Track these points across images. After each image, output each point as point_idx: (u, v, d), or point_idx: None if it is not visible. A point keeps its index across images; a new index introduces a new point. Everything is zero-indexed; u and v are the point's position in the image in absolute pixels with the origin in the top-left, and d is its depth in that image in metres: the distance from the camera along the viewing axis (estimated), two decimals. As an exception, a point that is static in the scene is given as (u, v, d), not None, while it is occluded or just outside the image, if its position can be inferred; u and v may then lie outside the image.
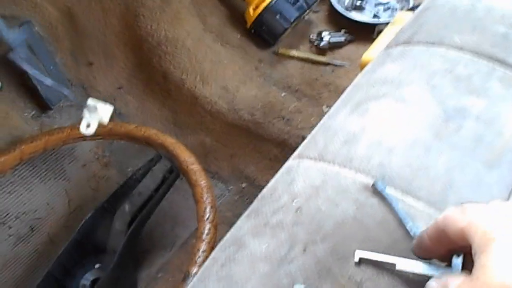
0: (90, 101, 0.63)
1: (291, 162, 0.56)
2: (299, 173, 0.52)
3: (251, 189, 1.21)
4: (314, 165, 0.52)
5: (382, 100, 0.56)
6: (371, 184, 0.48)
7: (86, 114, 0.60)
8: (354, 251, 0.44)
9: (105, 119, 0.62)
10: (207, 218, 0.80)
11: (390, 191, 0.47)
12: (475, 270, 0.31)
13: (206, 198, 0.83)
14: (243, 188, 1.22)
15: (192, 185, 0.86)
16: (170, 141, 0.90)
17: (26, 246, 1.05)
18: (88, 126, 0.61)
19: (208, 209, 0.81)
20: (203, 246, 0.77)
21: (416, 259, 0.40)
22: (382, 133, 0.52)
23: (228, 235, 0.51)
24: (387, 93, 0.57)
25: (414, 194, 0.47)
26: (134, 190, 0.97)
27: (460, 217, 0.34)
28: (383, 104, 0.56)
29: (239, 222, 0.52)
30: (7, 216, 1.07)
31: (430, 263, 0.39)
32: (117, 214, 0.97)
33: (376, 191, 0.48)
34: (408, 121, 0.53)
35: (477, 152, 0.51)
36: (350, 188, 0.49)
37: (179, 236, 1.09)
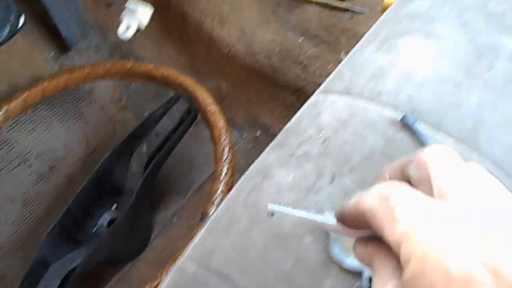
0: (130, 3, 0.60)
1: (315, 97, 0.56)
2: (325, 107, 0.52)
3: (265, 137, 1.20)
4: (340, 99, 0.52)
5: (411, 35, 0.55)
6: (399, 118, 0.48)
7: (125, 16, 0.58)
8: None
9: (145, 22, 0.60)
10: (225, 159, 0.81)
11: (420, 126, 0.47)
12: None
13: (224, 140, 0.83)
14: (257, 136, 1.22)
15: (210, 126, 0.86)
16: (189, 82, 0.89)
17: (46, 185, 1.07)
18: (127, 28, 0.58)
19: (226, 150, 0.82)
20: (221, 187, 0.77)
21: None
22: (411, 68, 0.51)
23: (252, 167, 0.52)
24: (416, 28, 0.55)
25: (444, 130, 0.47)
26: (152, 131, 0.97)
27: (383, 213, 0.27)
28: (412, 39, 0.54)
29: (263, 155, 0.52)
30: (28, 154, 1.08)
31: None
32: (135, 155, 0.98)
33: (405, 126, 0.48)
34: (439, 56, 0.52)
35: (508, 92, 0.50)
36: (377, 122, 0.48)
37: (194, 180, 1.10)
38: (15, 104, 0.96)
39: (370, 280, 0.41)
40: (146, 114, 1.20)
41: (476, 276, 0.23)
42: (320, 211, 0.37)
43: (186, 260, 0.44)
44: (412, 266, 0.24)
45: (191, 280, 0.42)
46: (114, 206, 1.00)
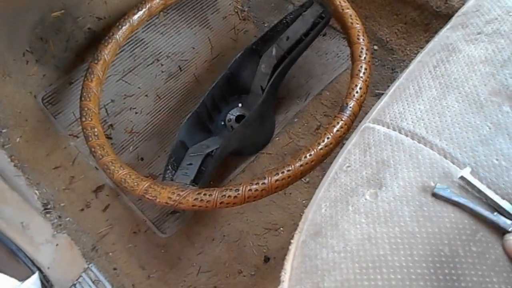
0: None
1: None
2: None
3: (383, 52, 1.21)
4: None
5: None
6: None
7: None
8: None
9: None
10: (364, 58, 0.83)
11: None
12: None
13: (362, 40, 0.85)
14: (375, 50, 1.22)
15: (347, 27, 0.88)
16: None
17: (176, 82, 1.15)
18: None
19: (364, 50, 0.84)
20: (360, 84, 0.80)
21: None
22: None
23: (431, 45, 0.53)
24: None
25: None
26: (283, 34, 1.00)
27: None
28: None
29: (440, 34, 0.54)
30: (160, 54, 1.17)
31: None
32: (264, 56, 1.03)
33: None
34: None
35: None
36: None
37: (312, 88, 1.14)
38: (155, 4, 1.03)
39: None
40: (266, 25, 1.24)
41: None
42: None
43: (372, 122, 0.47)
44: None
45: (383, 138, 0.44)
46: (240, 104, 1.06)
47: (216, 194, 0.74)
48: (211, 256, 0.98)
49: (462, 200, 0.37)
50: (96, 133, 0.87)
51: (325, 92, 1.13)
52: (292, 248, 0.40)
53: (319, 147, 0.77)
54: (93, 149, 0.85)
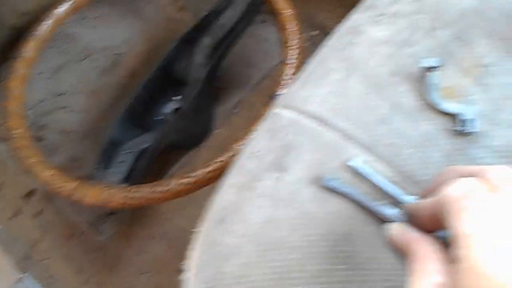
0: None
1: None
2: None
3: (323, 37, 1.20)
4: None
5: None
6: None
7: None
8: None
9: None
10: (294, 44, 0.82)
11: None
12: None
13: (292, 26, 0.84)
14: (316, 35, 1.21)
15: (276, 13, 0.86)
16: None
17: (111, 78, 1.11)
18: None
19: (294, 36, 0.83)
20: (290, 71, 0.79)
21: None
22: None
23: (340, 28, 0.53)
24: None
25: None
26: (216, 22, 0.98)
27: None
28: None
29: (352, 17, 0.53)
30: (92, 49, 1.12)
31: None
32: (198, 46, 1.00)
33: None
34: None
35: None
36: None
37: (253, 76, 1.12)
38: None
39: (467, 123, 0.43)
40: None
41: None
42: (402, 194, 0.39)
43: (281, 107, 0.47)
44: (465, 267, 0.26)
45: (289, 123, 0.44)
46: (178, 96, 1.03)
47: (146, 190, 0.72)
48: (152, 256, 0.95)
49: (349, 191, 0.38)
50: (19, 135, 0.82)
51: (265, 80, 1.12)
52: (198, 236, 0.40)
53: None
54: (17, 151, 0.81)
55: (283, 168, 0.39)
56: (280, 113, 0.44)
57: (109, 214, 0.98)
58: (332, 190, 0.38)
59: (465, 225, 0.27)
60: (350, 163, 0.39)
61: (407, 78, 0.45)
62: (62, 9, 0.96)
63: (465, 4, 0.48)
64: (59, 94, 1.07)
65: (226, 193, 0.39)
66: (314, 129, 0.42)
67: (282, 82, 0.78)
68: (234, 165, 0.42)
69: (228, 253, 0.36)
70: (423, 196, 0.33)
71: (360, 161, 0.39)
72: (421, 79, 0.45)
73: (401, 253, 0.34)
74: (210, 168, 0.73)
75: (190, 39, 1.01)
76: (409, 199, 0.37)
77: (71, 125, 1.05)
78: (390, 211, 0.37)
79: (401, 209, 0.37)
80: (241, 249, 0.36)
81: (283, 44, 0.83)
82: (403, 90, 0.45)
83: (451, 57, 0.47)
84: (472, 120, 0.44)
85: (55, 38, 1.10)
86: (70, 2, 0.98)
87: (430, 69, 0.44)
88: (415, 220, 0.34)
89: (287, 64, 0.80)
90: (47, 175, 0.76)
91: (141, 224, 0.97)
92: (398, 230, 0.35)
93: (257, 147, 0.42)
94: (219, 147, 1.04)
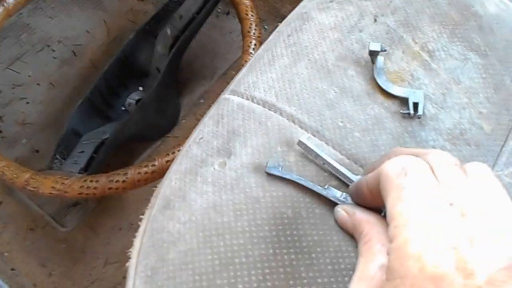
0: None
1: None
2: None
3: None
4: None
5: None
6: None
7: None
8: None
9: None
10: (253, 34, 0.81)
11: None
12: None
13: (251, 16, 0.83)
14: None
15: (236, 3, 0.86)
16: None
17: (70, 69, 1.09)
18: None
19: (253, 26, 0.82)
20: (250, 59, 0.79)
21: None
22: None
23: (291, 14, 0.53)
24: None
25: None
26: (175, 13, 0.96)
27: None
28: None
29: (301, 4, 0.53)
30: (50, 40, 1.09)
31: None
32: (159, 37, 0.99)
33: None
34: None
35: None
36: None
37: (218, 67, 1.12)
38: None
39: (415, 106, 0.44)
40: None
41: (447, 276, 0.24)
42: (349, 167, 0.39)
43: (229, 93, 0.46)
44: (394, 246, 0.26)
45: (236, 108, 0.44)
46: (141, 88, 1.02)
47: (104, 179, 0.71)
48: (119, 247, 0.94)
49: (293, 177, 0.37)
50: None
51: (230, 71, 1.11)
52: (143, 224, 0.39)
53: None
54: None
55: (229, 153, 0.39)
56: (228, 99, 0.44)
57: (72, 205, 0.96)
58: (276, 177, 0.38)
59: (397, 204, 0.27)
60: (300, 139, 0.38)
61: (355, 63, 0.46)
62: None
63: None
64: (17, 85, 1.05)
65: (171, 179, 0.39)
66: (261, 114, 0.41)
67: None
68: (180, 152, 0.42)
69: (171, 240, 0.36)
70: (367, 173, 0.33)
71: (305, 138, 0.38)
72: (369, 64, 0.46)
73: (352, 235, 0.35)
74: (168, 158, 0.72)
75: (150, 30, 0.99)
76: (356, 178, 0.37)
77: (30, 117, 1.03)
78: (337, 193, 0.37)
79: (348, 191, 0.37)
80: (184, 236, 0.35)
81: (244, 34, 0.83)
82: (351, 75, 0.45)
83: (399, 42, 0.47)
84: (419, 104, 0.44)
85: (11, 28, 1.07)
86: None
87: (377, 53, 0.44)
88: (359, 198, 0.35)
89: (248, 53, 0.79)
90: (1, 166, 0.74)
91: (107, 215, 0.96)
92: (346, 212, 0.35)
93: (203, 133, 0.42)
94: (185, 138, 1.03)
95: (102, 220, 0.96)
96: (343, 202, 0.37)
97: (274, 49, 0.48)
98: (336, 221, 0.36)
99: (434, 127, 0.45)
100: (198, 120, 1.05)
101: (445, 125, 0.45)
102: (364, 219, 0.33)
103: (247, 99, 0.43)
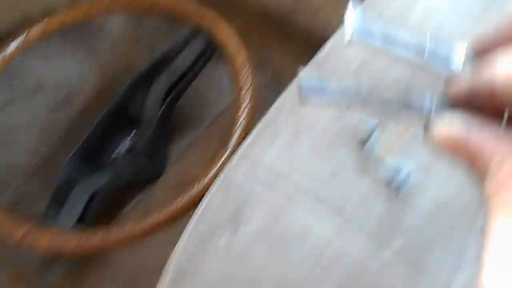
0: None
1: None
2: None
3: (276, 77, 1.24)
4: None
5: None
6: None
7: None
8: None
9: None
10: (244, 81, 0.84)
11: None
12: None
13: (244, 71, 0.87)
14: (268, 75, 1.25)
15: (230, 58, 0.89)
16: (210, 15, 0.92)
17: (62, 114, 1.10)
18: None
19: (244, 74, 0.85)
20: (242, 114, 0.82)
21: None
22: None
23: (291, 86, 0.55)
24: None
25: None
26: (172, 62, 0.99)
27: None
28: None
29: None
30: (43, 85, 1.11)
31: None
32: (153, 86, 1.01)
33: None
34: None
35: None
36: None
37: (207, 115, 1.14)
38: (32, 34, 0.98)
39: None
40: (159, 50, 1.23)
41: None
42: None
43: (237, 160, 0.48)
44: None
45: (244, 176, 0.46)
46: (132, 135, 1.03)
47: (100, 236, 0.72)
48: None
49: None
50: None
51: (219, 119, 1.14)
52: None
53: (208, 178, 0.77)
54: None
55: (239, 222, 0.41)
56: (237, 166, 0.46)
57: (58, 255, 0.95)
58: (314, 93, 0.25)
59: None
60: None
61: (351, 138, 0.49)
62: (11, 46, 0.95)
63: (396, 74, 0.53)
64: (7, 131, 1.05)
65: (181, 252, 0.41)
66: (269, 181, 0.44)
67: (236, 123, 0.81)
68: (190, 222, 0.43)
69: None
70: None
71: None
72: (364, 138, 0.49)
73: (467, 164, 0.21)
74: (163, 213, 0.74)
75: (145, 79, 1.02)
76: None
77: (20, 162, 1.03)
78: (423, 101, 0.23)
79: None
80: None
81: (236, 87, 0.86)
82: (348, 149, 0.48)
83: (392, 117, 0.50)
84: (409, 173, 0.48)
85: (3, 73, 1.08)
86: (21, 39, 0.97)
87: (372, 128, 0.48)
88: (469, 104, 0.21)
89: (238, 101, 0.83)
90: (-2, 219, 0.74)
91: (92, 266, 0.95)
92: (459, 127, 0.21)
93: (212, 201, 0.44)
94: (174, 184, 1.05)
95: (87, 271, 0.96)
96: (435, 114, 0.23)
97: (277, 122, 0.51)
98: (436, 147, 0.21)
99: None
100: (186, 167, 1.08)
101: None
102: (493, 139, 0.19)
103: (256, 167, 0.45)
